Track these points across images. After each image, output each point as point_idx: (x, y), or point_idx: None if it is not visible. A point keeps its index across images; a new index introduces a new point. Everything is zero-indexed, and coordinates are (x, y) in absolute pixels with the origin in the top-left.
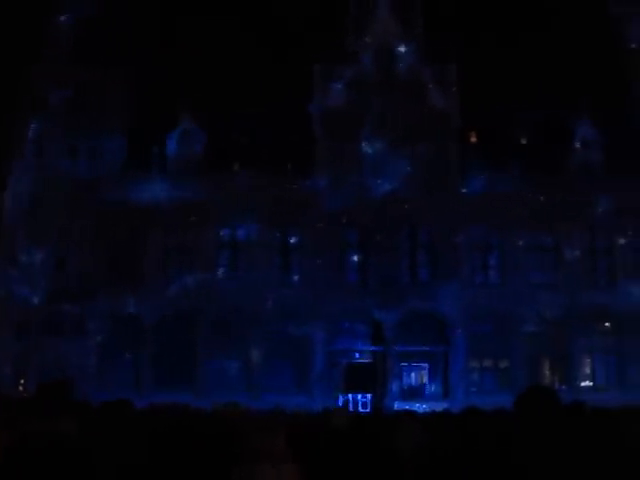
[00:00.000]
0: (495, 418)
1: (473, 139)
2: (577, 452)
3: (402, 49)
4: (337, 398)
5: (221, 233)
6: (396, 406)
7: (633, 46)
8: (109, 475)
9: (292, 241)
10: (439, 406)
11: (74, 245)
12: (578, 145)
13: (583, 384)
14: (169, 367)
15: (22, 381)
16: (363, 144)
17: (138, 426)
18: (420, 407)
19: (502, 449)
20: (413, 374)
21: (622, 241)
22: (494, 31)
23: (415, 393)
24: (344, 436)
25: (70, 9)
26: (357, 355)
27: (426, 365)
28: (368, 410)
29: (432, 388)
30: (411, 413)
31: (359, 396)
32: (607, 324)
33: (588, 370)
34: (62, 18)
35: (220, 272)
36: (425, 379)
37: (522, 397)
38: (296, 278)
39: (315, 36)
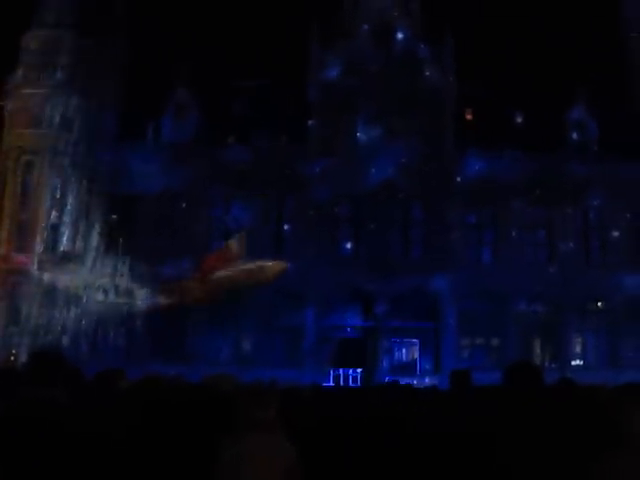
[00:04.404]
0: (484, 392)
1: (469, 116)
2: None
3: (399, 25)
4: (327, 373)
5: (213, 209)
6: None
7: (634, 34)
8: (102, 443)
9: (284, 216)
10: (429, 382)
11: (68, 214)
12: (573, 125)
13: (574, 363)
14: (161, 340)
15: (14, 351)
16: (358, 120)
17: (131, 395)
18: (410, 382)
19: (490, 424)
20: (404, 350)
21: (615, 221)
22: (492, 8)
23: (406, 369)
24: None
25: None
26: (348, 330)
27: (417, 341)
28: (358, 385)
29: (423, 364)
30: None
31: (350, 371)
32: (599, 303)
33: (579, 349)
34: None
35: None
36: (416, 355)
37: (510, 371)
38: (289, 254)
39: (312, 11)
